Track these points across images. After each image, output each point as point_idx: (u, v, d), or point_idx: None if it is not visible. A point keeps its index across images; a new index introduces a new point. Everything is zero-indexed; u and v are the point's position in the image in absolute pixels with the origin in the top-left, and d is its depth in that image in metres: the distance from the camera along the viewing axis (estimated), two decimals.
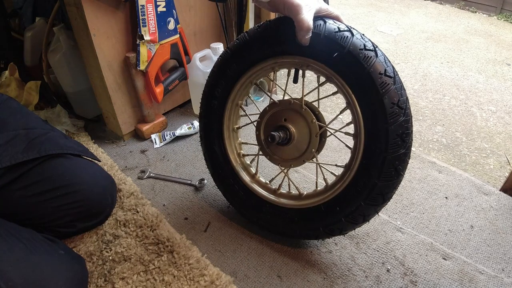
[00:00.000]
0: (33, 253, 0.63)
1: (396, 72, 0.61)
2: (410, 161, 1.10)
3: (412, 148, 0.63)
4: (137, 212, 0.90)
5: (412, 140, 0.63)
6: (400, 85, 0.60)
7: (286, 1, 0.59)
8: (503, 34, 2.79)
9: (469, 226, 0.88)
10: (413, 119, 0.63)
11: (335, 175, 0.73)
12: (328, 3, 0.92)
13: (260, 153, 0.81)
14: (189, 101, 1.37)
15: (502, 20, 3.14)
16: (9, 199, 0.74)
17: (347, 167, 0.69)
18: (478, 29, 2.89)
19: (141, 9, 0.97)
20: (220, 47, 1.17)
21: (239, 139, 0.86)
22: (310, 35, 0.61)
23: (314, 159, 0.75)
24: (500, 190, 0.99)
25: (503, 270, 0.77)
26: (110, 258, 0.79)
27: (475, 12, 3.35)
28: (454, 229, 0.87)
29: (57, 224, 0.79)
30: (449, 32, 2.80)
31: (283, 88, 0.79)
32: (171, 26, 1.07)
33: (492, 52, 2.45)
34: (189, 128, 1.21)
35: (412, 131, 0.62)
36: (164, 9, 1.03)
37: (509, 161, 1.43)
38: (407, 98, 0.61)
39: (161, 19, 1.03)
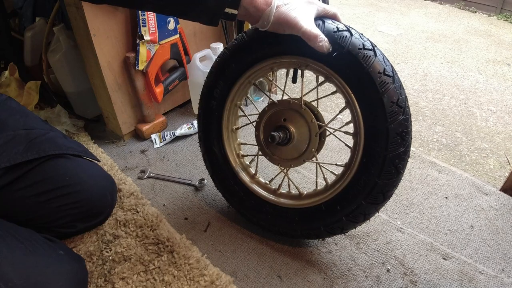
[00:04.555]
0: (33, 254, 0.63)
1: (395, 71, 0.61)
2: (410, 161, 1.10)
3: (412, 148, 0.64)
4: (137, 212, 0.90)
5: (411, 138, 0.63)
6: (399, 84, 0.60)
7: (283, 22, 0.58)
8: (503, 34, 2.79)
9: (469, 226, 0.88)
10: (413, 119, 0.63)
11: (335, 174, 0.73)
12: (328, 3, 0.92)
13: (260, 153, 0.81)
14: (189, 101, 1.37)
15: (502, 20, 3.14)
16: (9, 199, 0.74)
17: (347, 166, 0.69)
18: (478, 29, 2.89)
19: None
20: (220, 47, 1.17)
21: (238, 139, 0.86)
22: (324, 40, 0.59)
23: (314, 159, 0.75)
24: (500, 190, 0.99)
25: (503, 270, 0.77)
26: (110, 258, 0.79)
27: (475, 12, 3.35)
28: (454, 229, 0.87)
29: (57, 225, 0.79)
30: (449, 32, 2.80)
31: (282, 88, 0.79)
32: (171, 26, 1.07)
33: (492, 52, 2.45)
34: (189, 128, 1.21)
35: (411, 129, 0.62)
36: None
37: (509, 161, 1.43)
38: (406, 97, 0.61)
39: (161, 19, 1.03)
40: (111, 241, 0.83)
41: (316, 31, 0.58)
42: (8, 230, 0.65)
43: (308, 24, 0.58)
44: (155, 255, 0.79)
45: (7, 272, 0.57)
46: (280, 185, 0.81)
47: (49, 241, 0.69)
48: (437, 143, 1.53)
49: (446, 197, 0.96)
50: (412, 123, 0.63)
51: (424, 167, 1.07)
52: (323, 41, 0.58)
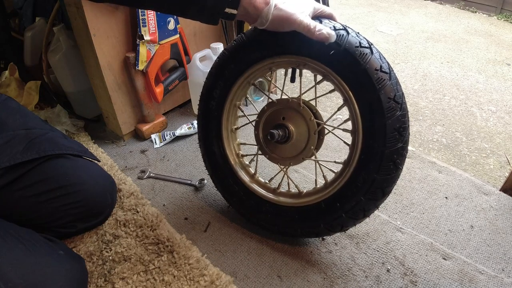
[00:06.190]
0: (32, 254, 0.63)
1: (392, 68, 0.62)
2: (410, 161, 1.10)
3: (412, 148, 0.64)
4: (137, 212, 0.90)
5: (409, 134, 0.63)
6: (395, 81, 0.61)
7: (282, 18, 0.59)
8: (503, 34, 2.78)
9: (469, 226, 0.88)
10: (413, 119, 0.63)
11: (334, 172, 0.73)
12: (328, 5, 0.92)
13: (259, 152, 0.81)
14: (189, 101, 1.37)
15: (502, 20, 3.13)
16: (9, 199, 0.74)
17: (346, 163, 0.69)
18: (478, 29, 2.89)
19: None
20: (220, 47, 1.17)
21: (238, 139, 0.86)
22: (323, 28, 0.59)
23: (313, 157, 0.75)
24: (500, 190, 0.99)
25: (503, 270, 0.77)
26: (110, 258, 0.79)
27: (475, 12, 3.35)
28: (454, 229, 0.87)
29: (57, 225, 0.79)
30: (449, 32, 2.80)
31: (281, 88, 0.79)
32: (171, 26, 1.07)
33: (492, 52, 2.45)
34: (189, 128, 1.21)
35: (408, 125, 0.63)
36: None
37: (509, 161, 1.43)
38: (403, 93, 0.62)
39: (161, 19, 1.03)
40: (111, 241, 0.83)
41: (314, 23, 0.59)
42: (8, 230, 0.65)
43: (305, 18, 0.59)
44: (155, 255, 0.79)
45: (7, 272, 0.57)
46: (279, 184, 0.81)
47: (49, 241, 0.69)
48: (437, 143, 1.53)
49: (446, 197, 0.96)
50: (412, 123, 0.63)
51: (424, 167, 1.07)
52: (322, 30, 0.59)
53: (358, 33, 0.63)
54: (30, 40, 1.27)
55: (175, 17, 1.08)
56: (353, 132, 0.66)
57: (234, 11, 0.60)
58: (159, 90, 1.15)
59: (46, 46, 1.15)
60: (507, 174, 1.13)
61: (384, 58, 0.62)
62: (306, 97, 0.74)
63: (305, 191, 0.78)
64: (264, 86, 1.34)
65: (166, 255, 0.79)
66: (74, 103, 1.26)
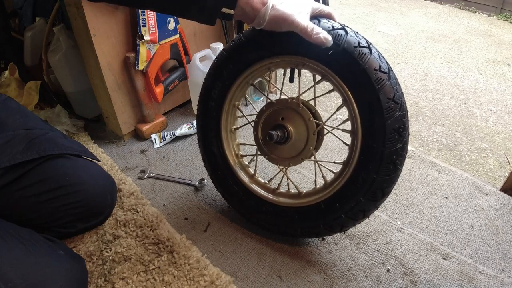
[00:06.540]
0: (32, 254, 0.63)
1: (391, 68, 0.62)
2: (410, 161, 1.10)
3: (412, 148, 0.64)
4: (137, 212, 0.90)
5: (408, 134, 0.63)
6: (395, 81, 0.61)
7: (279, 18, 0.59)
8: (503, 34, 2.78)
9: (469, 226, 0.88)
10: (413, 119, 0.63)
11: (333, 172, 0.73)
12: (327, 4, 0.92)
13: (259, 153, 0.81)
14: (189, 101, 1.37)
15: (502, 20, 3.13)
16: (9, 199, 0.74)
17: (346, 164, 0.69)
18: (478, 29, 2.89)
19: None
20: (220, 47, 1.17)
21: (237, 140, 0.86)
22: (320, 32, 0.59)
23: (312, 157, 0.75)
24: (500, 190, 0.99)
25: (503, 270, 0.77)
26: (110, 258, 0.79)
27: (475, 12, 3.34)
28: (454, 229, 0.87)
29: (57, 225, 0.79)
30: (449, 32, 2.80)
31: (281, 87, 0.79)
32: (171, 26, 1.08)
33: (492, 52, 2.45)
34: (189, 128, 1.21)
35: (408, 125, 0.62)
36: None
37: (509, 161, 1.43)
38: (402, 93, 0.62)
39: (161, 19, 1.03)
40: (111, 241, 0.83)
41: (311, 25, 0.59)
42: (8, 230, 0.65)
43: (303, 19, 0.59)
44: (155, 255, 0.79)
45: (7, 272, 0.57)
46: (279, 185, 0.81)
47: (49, 241, 0.70)
48: (437, 143, 1.53)
49: (446, 197, 0.96)
50: (412, 123, 0.63)
51: (424, 167, 1.07)
52: (319, 34, 0.59)
53: (357, 32, 0.63)
54: (30, 40, 1.27)
55: (175, 17, 1.08)
56: (353, 132, 0.66)
57: (231, 11, 0.60)
58: (159, 90, 1.15)
59: (46, 46, 1.15)
60: (507, 174, 1.13)
61: (383, 58, 0.62)
62: (306, 97, 0.74)
63: (304, 191, 0.78)
64: (264, 86, 1.34)
65: (166, 255, 0.79)
66: (74, 103, 1.26)
